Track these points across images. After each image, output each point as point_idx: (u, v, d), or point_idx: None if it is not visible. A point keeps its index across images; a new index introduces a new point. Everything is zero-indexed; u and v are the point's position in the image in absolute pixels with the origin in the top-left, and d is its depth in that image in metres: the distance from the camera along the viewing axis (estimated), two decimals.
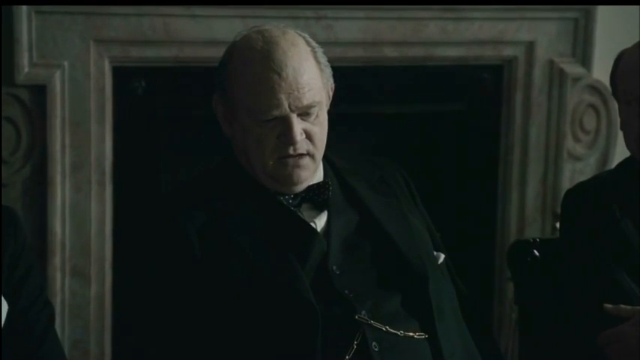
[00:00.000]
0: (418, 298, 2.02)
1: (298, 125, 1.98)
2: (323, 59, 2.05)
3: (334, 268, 2.00)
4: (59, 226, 3.11)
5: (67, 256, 3.14)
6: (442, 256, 2.15)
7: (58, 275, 3.13)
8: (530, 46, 3.61)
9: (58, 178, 3.11)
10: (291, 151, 1.98)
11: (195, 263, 1.94)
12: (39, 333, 1.96)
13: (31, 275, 1.97)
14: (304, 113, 1.99)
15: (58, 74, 3.08)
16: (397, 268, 2.03)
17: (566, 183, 3.63)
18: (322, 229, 2.04)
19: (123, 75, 3.17)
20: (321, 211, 2.06)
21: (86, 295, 3.16)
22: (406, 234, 2.08)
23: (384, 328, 1.95)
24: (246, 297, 1.92)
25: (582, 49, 3.64)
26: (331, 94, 2.10)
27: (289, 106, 1.97)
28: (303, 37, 2.04)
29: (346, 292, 1.97)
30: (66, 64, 3.09)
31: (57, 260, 3.12)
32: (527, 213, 3.67)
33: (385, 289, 2.01)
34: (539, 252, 2.32)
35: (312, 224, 2.03)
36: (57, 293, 3.12)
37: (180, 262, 1.95)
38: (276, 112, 1.97)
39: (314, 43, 2.05)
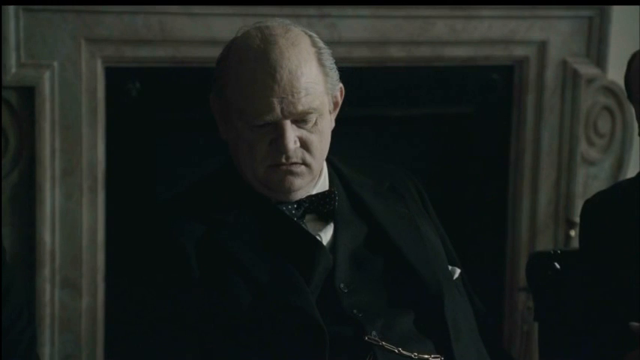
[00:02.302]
0: (433, 317, 1.94)
1: (292, 132, 1.90)
2: (329, 62, 1.96)
3: (341, 285, 1.92)
4: (49, 235, 3.10)
5: (56, 267, 3.12)
6: (458, 271, 2.08)
7: (48, 287, 3.11)
8: (542, 46, 3.59)
9: (48, 185, 3.09)
10: (283, 160, 1.91)
11: (193, 279, 1.88)
12: (20, 355, 1.89)
13: (12, 294, 1.90)
14: (300, 120, 1.91)
15: (47, 75, 3.06)
16: (410, 285, 1.96)
17: (580, 189, 3.66)
18: (328, 242, 1.96)
19: (116, 76, 3.16)
20: (326, 222, 1.99)
21: (77, 307, 3.14)
22: (419, 247, 2.01)
23: (396, 350, 1.88)
24: (248, 316, 1.85)
25: (597, 48, 3.63)
26: (340, 99, 2.02)
27: (282, 112, 1.89)
28: (310, 37, 1.95)
29: (355, 311, 1.90)
30: (56, 64, 3.07)
31: (46, 271, 3.10)
32: (539, 220, 3.66)
33: (397, 308, 1.93)
34: (560, 265, 2.27)
35: (318, 237, 1.96)
36: (46, 306, 3.10)
37: (177, 278, 1.88)
38: (268, 117, 1.89)
39: (321, 44, 1.96)
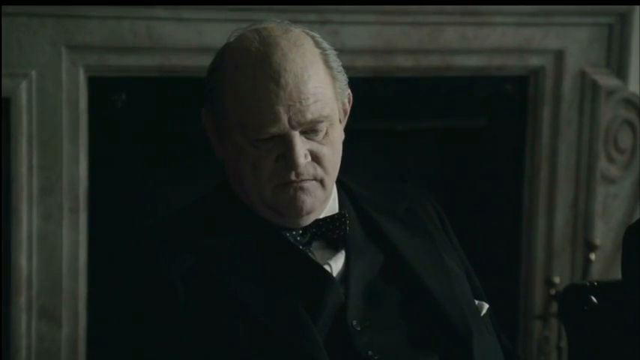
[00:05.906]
0: (459, 359, 1.82)
1: (302, 145, 1.78)
2: (336, 64, 1.85)
3: (354, 322, 1.80)
4: (25, 260, 3.06)
5: (34, 295, 3.08)
6: (485, 307, 1.94)
7: (24, 317, 3.07)
8: (559, 55, 3.54)
9: (24, 205, 3.06)
10: (292, 177, 1.79)
11: (181, 316, 1.75)
12: None
13: None
14: (310, 130, 1.80)
15: (24, 85, 3.03)
16: (433, 323, 1.84)
17: (599, 208, 3.61)
18: (339, 273, 1.84)
19: (100, 86, 3.14)
20: (336, 250, 1.86)
21: (56, 339, 3.10)
22: (443, 279, 1.88)
23: None
24: (245, 359, 1.72)
25: (617, 58, 3.57)
26: (349, 106, 1.90)
27: (290, 122, 1.77)
28: (312, 37, 1.84)
29: (370, 353, 1.78)
30: (33, 73, 3.04)
31: (22, 299, 3.07)
32: (556, 242, 3.60)
33: (418, 350, 1.81)
34: (597, 298, 2.10)
35: (327, 267, 1.83)
36: (22, 337, 3.07)
37: (163, 315, 1.76)
38: (273, 129, 1.77)
39: (325, 45, 1.85)
